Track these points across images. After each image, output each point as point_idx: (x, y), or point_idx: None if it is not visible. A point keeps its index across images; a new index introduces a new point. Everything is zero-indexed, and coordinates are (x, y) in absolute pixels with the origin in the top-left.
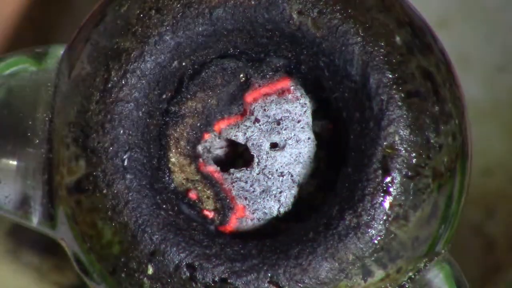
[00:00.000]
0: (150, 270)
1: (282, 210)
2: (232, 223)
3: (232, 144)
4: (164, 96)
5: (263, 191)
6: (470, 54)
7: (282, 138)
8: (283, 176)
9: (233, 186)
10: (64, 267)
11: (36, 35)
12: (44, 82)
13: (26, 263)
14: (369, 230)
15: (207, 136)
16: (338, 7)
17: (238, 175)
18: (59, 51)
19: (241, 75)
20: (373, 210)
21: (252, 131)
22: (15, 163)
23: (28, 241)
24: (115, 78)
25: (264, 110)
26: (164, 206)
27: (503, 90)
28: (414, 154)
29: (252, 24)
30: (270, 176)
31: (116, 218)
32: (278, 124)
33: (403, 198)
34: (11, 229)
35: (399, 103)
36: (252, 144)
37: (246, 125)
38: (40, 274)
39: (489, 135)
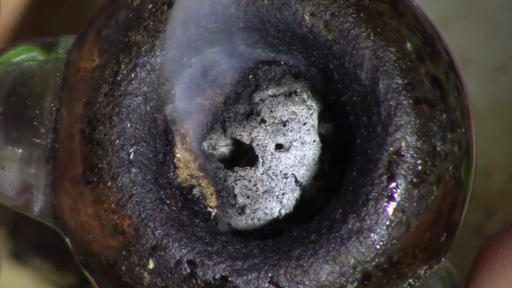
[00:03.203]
0: (151, 265)
1: (283, 212)
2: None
3: (237, 142)
4: (172, 92)
5: (265, 191)
6: (470, 54)
7: (288, 140)
8: (286, 178)
9: (236, 184)
10: (65, 268)
11: (36, 34)
12: (53, 72)
13: (26, 264)
14: (372, 234)
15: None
16: (351, 11)
17: (242, 173)
18: (69, 41)
19: (250, 76)
20: (376, 215)
21: (258, 132)
22: (20, 151)
23: (28, 243)
24: (124, 71)
25: (271, 111)
26: (167, 201)
27: (503, 90)
28: (419, 161)
29: (264, 24)
30: (274, 177)
31: (120, 211)
32: (284, 125)
33: (406, 204)
34: (12, 231)
35: (407, 109)
36: (257, 144)
37: (252, 125)
38: (41, 275)
39: (489, 135)
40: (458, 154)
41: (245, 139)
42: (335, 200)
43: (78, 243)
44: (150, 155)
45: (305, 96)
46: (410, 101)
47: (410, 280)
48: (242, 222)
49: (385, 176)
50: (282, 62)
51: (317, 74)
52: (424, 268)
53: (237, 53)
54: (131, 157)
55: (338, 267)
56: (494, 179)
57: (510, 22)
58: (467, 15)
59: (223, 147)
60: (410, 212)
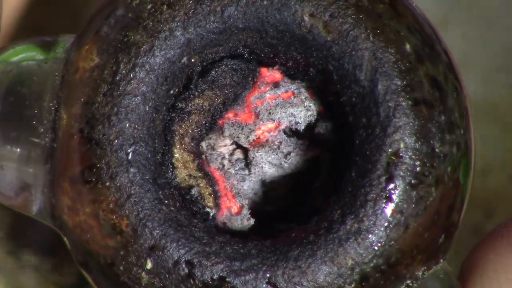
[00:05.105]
0: (149, 265)
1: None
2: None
3: (236, 143)
4: (171, 92)
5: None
6: (469, 54)
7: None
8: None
9: (234, 185)
10: (64, 267)
11: (36, 33)
12: (52, 71)
13: (26, 264)
14: (370, 236)
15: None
16: (350, 12)
17: (239, 175)
18: (68, 41)
19: (249, 78)
20: (374, 216)
21: (256, 135)
22: (18, 150)
23: (28, 242)
24: (123, 71)
25: (269, 113)
26: (166, 201)
27: (502, 90)
28: (418, 162)
29: (263, 24)
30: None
31: (118, 211)
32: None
33: (405, 205)
34: (11, 230)
35: (406, 111)
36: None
37: (250, 128)
38: (40, 275)
39: (488, 135)
40: (457, 155)
41: (243, 141)
42: (333, 201)
43: (76, 242)
44: (149, 155)
45: (303, 97)
46: (409, 102)
47: (408, 281)
48: (237, 222)
49: (384, 177)
50: (279, 65)
51: (316, 75)
52: (422, 269)
53: (236, 53)
54: (130, 157)
55: (336, 268)
56: (493, 179)
57: (509, 22)
58: (466, 16)
59: (222, 147)
60: (409, 214)
